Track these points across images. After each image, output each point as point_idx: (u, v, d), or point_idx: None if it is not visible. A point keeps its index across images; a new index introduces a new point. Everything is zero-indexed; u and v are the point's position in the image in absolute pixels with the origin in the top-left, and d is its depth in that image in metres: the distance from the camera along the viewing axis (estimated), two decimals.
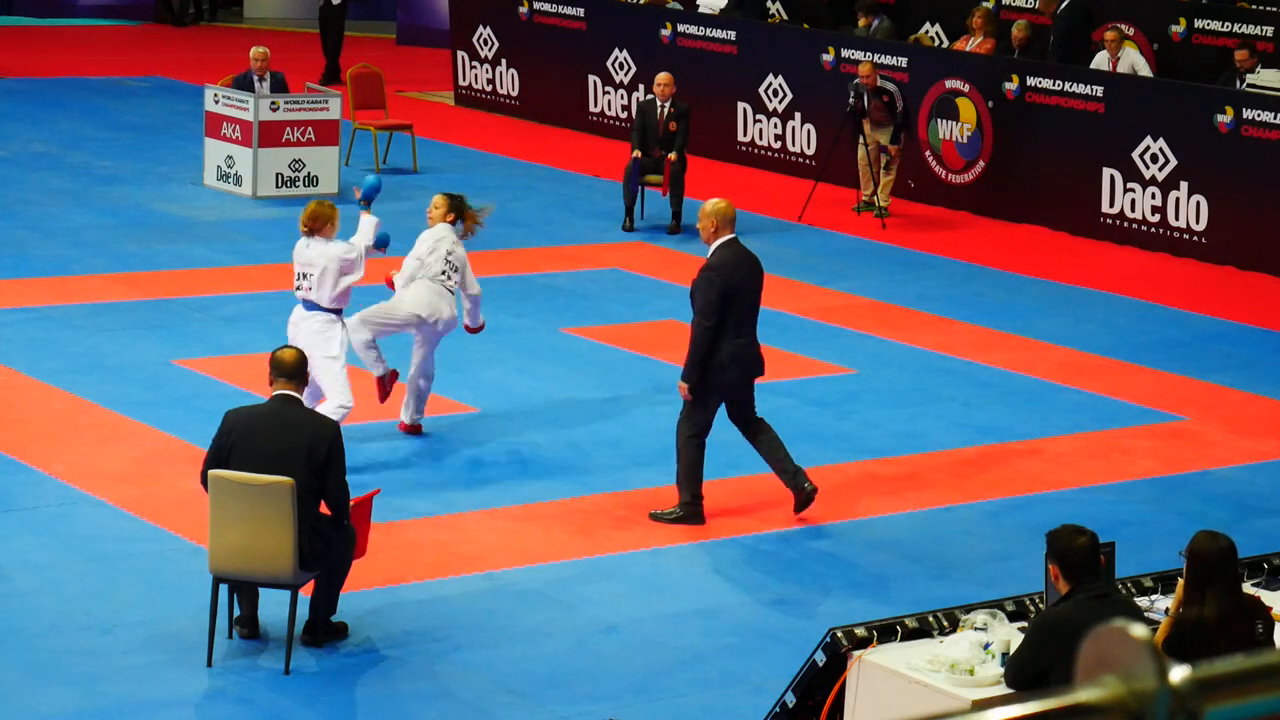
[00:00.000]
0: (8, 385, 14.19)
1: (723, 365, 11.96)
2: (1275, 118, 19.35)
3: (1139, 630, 2.04)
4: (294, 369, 10.07)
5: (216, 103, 21.06)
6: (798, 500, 12.22)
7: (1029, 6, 23.86)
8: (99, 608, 10.48)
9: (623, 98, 24.93)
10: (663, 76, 20.32)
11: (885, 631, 8.31)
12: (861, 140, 20.83)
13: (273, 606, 10.14)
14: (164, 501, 12.01)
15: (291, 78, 21.77)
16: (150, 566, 11.06)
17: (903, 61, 22.13)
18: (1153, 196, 20.17)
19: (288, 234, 19.23)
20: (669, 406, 14.23)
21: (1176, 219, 20.00)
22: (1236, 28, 22.22)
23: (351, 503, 10.22)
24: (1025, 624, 8.25)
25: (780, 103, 23.37)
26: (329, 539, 9.88)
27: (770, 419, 14.02)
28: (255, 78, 20.94)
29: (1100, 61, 21.54)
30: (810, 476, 12.72)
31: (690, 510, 12.19)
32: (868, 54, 21.99)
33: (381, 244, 13.18)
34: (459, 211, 13.67)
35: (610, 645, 10.41)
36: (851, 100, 20.64)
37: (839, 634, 8.25)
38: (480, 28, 26.80)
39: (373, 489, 10.94)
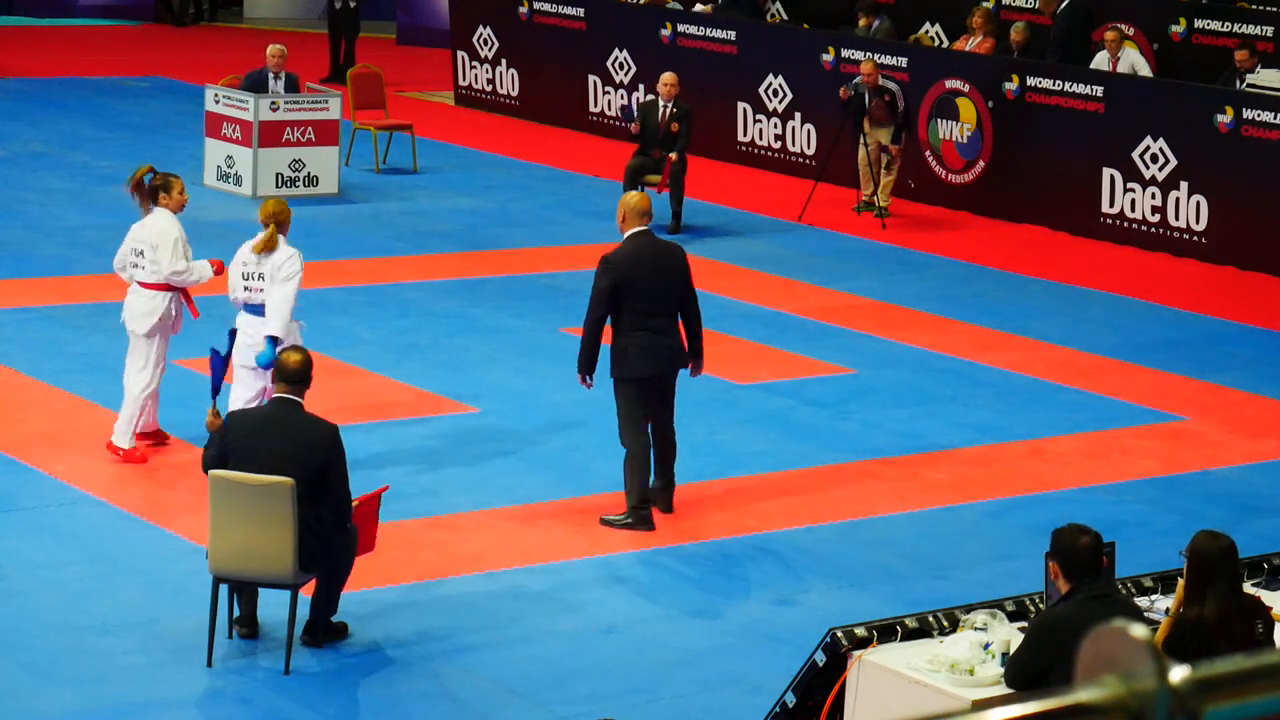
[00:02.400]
0: (8, 385, 14.19)
1: (623, 356, 11.91)
2: (1275, 118, 19.35)
3: (1139, 630, 2.04)
4: (295, 374, 10.07)
5: (216, 103, 21.06)
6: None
7: (1029, 6, 23.86)
8: (99, 608, 10.48)
9: (623, 98, 24.92)
10: (668, 77, 20.29)
11: (885, 631, 8.31)
12: (862, 140, 20.83)
13: (273, 606, 10.14)
14: (164, 501, 12.02)
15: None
16: (150, 566, 11.06)
17: (903, 61, 22.14)
18: (1153, 196, 20.17)
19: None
20: None
21: (1176, 219, 20.00)
22: (1236, 28, 22.22)
23: (358, 501, 10.22)
24: (1025, 624, 8.25)
25: (780, 103, 23.37)
26: (327, 541, 9.88)
27: (770, 419, 14.03)
28: (271, 75, 20.92)
29: (1100, 61, 21.54)
30: (810, 477, 12.73)
31: (636, 516, 12.01)
32: (868, 54, 21.98)
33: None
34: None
35: (610, 645, 10.41)
36: (849, 94, 20.59)
37: (839, 634, 8.25)
38: (480, 28, 26.81)
39: (380, 486, 10.91)
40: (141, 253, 12.57)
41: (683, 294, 12.03)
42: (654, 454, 12.10)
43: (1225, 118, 19.66)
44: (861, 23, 23.82)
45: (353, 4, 28.38)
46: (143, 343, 12.62)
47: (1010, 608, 8.54)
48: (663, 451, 12.17)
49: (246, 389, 12.13)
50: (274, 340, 11.89)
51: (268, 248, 12.10)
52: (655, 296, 11.91)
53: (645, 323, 11.88)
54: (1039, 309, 17.83)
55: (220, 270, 12.77)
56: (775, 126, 23.43)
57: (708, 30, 24.24)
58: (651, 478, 12.14)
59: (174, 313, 12.75)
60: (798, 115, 23.17)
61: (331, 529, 9.90)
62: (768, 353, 15.86)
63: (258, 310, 12.14)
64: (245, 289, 12.18)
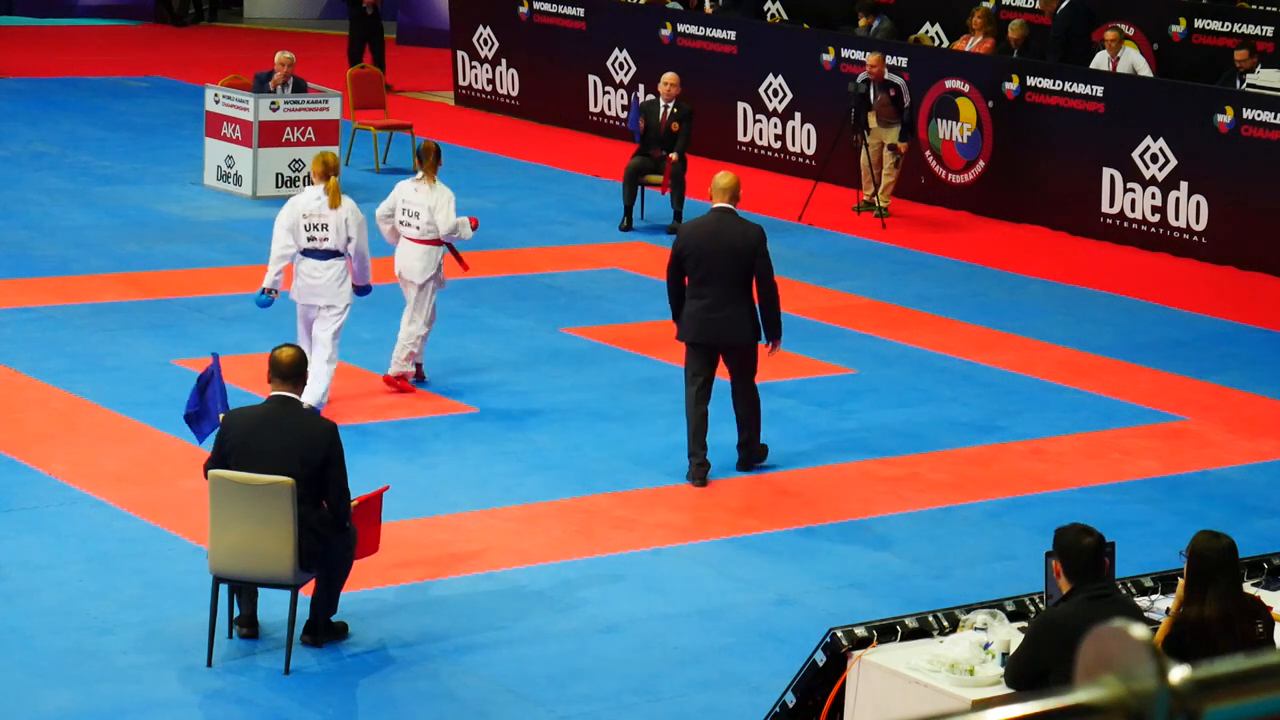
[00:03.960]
0: (8, 385, 14.19)
1: (685, 321, 12.74)
2: (1275, 118, 19.35)
3: (1139, 630, 2.04)
4: (290, 370, 10.04)
5: (216, 103, 21.06)
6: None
7: (1029, 6, 23.86)
8: (99, 608, 10.48)
9: (623, 98, 24.93)
10: (669, 76, 20.30)
11: (885, 631, 8.31)
12: (864, 139, 20.83)
13: (273, 606, 10.14)
14: (164, 501, 12.02)
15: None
16: (150, 566, 11.06)
17: (903, 61, 22.13)
18: (1153, 196, 20.17)
19: None
20: (669, 406, 14.24)
21: (1176, 219, 20.00)
22: (1236, 28, 22.22)
23: (358, 500, 10.21)
24: (1025, 624, 8.25)
25: (780, 103, 23.37)
26: (327, 541, 9.87)
27: (771, 419, 14.01)
28: (279, 82, 20.86)
29: (1100, 61, 21.54)
30: (810, 476, 12.73)
31: (691, 464, 12.81)
32: (869, 53, 21.98)
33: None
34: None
35: (610, 645, 10.41)
36: (853, 89, 20.62)
37: (839, 634, 8.24)
38: (480, 28, 26.80)
39: (380, 486, 10.90)
40: (417, 214, 14.16)
41: (747, 273, 12.63)
42: (735, 415, 12.97)
43: (1225, 118, 19.66)
44: (861, 23, 23.83)
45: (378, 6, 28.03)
46: (414, 291, 14.24)
47: (1010, 608, 8.54)
48: (739, 413, 12.97)
49: (303, 335, 13.72)
50: (368, 289, 13.80)
51: (335, 202, 13.46)
52: (711, 269, 12.59)
53: (699, 291, 12.64)
54: (1039, 309, 17.83)
55: (476, 226, 14.48)
56: (775, 126, 23.43)
57: (708, 30, 24.24)
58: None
59: (441, 266, 14.36)
60: (798, 115, 23.17)
61: (331, 528, 9.90)
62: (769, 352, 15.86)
63: (320, 255, 13.50)
64: (310, 238, 13.47)
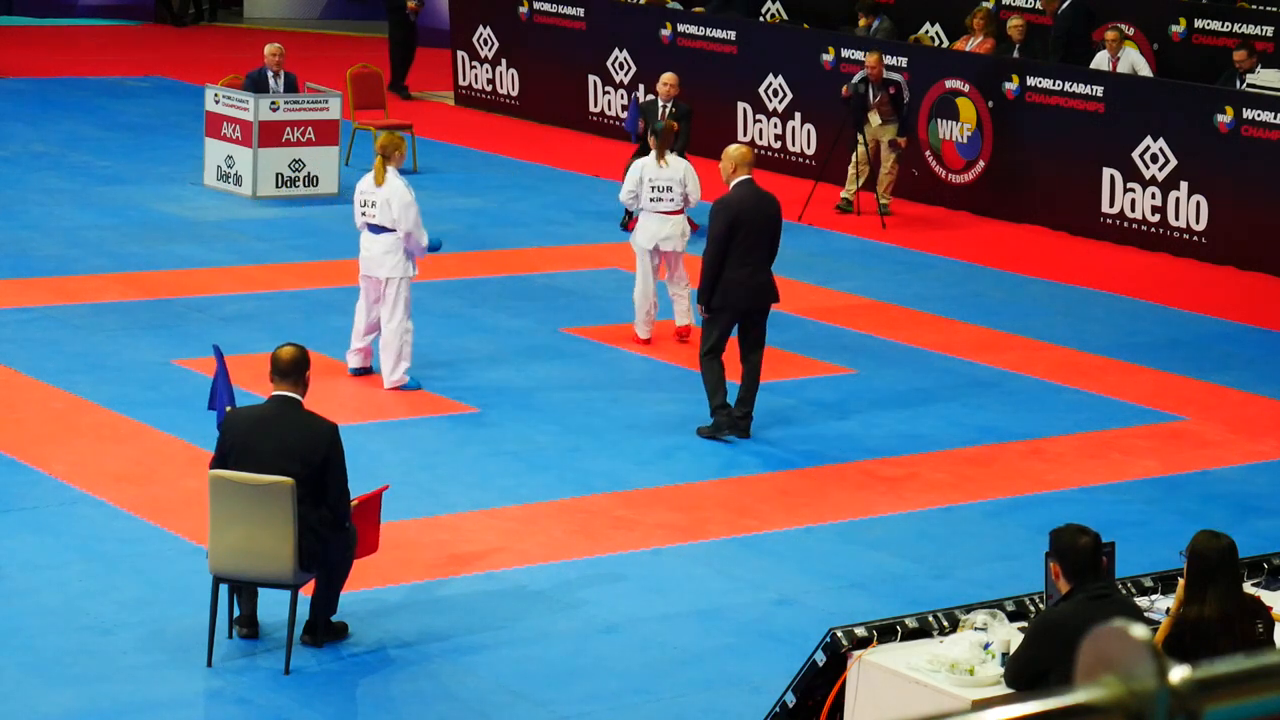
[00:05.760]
0: (8, 385, 14.19)
1: (729, 290, 13.33)
2: (1275, 118, 19.35)
3: (1139, 630, 2.04)
4: (289, 368, 10.02)
5: (216, 103, 21.05)
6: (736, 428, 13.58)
7: (1029, 6, 23.87)
8: (99, 608, 10.48)
9: (623, 98, 24.93)
10: (668, 77, 20.26)
11: (885, 631, 8.31)
12: (861, 139, 20.82)
13: (273, 606, 10.14)
14: (164, 501, 12.02)
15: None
16: (150, 566, 11.06)
17: (903, 61, 22.13)
18: (1153, 196, 20.17)
19: (288, 234, 19.25)
20: (669, 406, 14.25)
21: (1176, 219, 20.00)
22: (1236, 28, 22.22)
23: (358, 500, 10.21)
24: (1025, 624, 8.25)
25: (780, 103, 23.37)
26: (326, 540, 9.87)
27: (771, 418, 14.04)
28: (270, 74, 20.90)
29: (1100, 61, 21.55)
30: (810, 476, 12.72)
31: (715, 422, 13.47)
32: (867, 53, 21.97)
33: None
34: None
35: (610, 645, 10.41)
36: (850, 93, 20.63)
37: (839, 634, 8.25)
38: (480, 28, 26.80)
39: (380, 485, 10.89)
40: (669, 188, 15.60)
41: (775, 237, 13.51)
42: (741, 387, 13.55)
43: (1225, 118, 19.67)
44: (861, 23, 23.83)
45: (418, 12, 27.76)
46: (673, 258, 15.76)
47: (1010, 608, 8.54)
48: (747, 386, 13.55)
49: (361, 310, 14.65)
50: (432, 248, 14.56)
51: (379, 179, 14.30)
52: (756, 237, 13.34)
53: (746, 259, 13.32)
54: (1039, 309, 17.83)
55: (696, 229, 16.46)
56: (775, 126, 23.43)
57: (708, 30, 24.24)
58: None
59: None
60: (798, 115, 23.17)
61: (331, 528, 9.89)
62: (768, 352, 15.83)
63: (375, 229, 14.35)
64: (363, 213, 14.42)
